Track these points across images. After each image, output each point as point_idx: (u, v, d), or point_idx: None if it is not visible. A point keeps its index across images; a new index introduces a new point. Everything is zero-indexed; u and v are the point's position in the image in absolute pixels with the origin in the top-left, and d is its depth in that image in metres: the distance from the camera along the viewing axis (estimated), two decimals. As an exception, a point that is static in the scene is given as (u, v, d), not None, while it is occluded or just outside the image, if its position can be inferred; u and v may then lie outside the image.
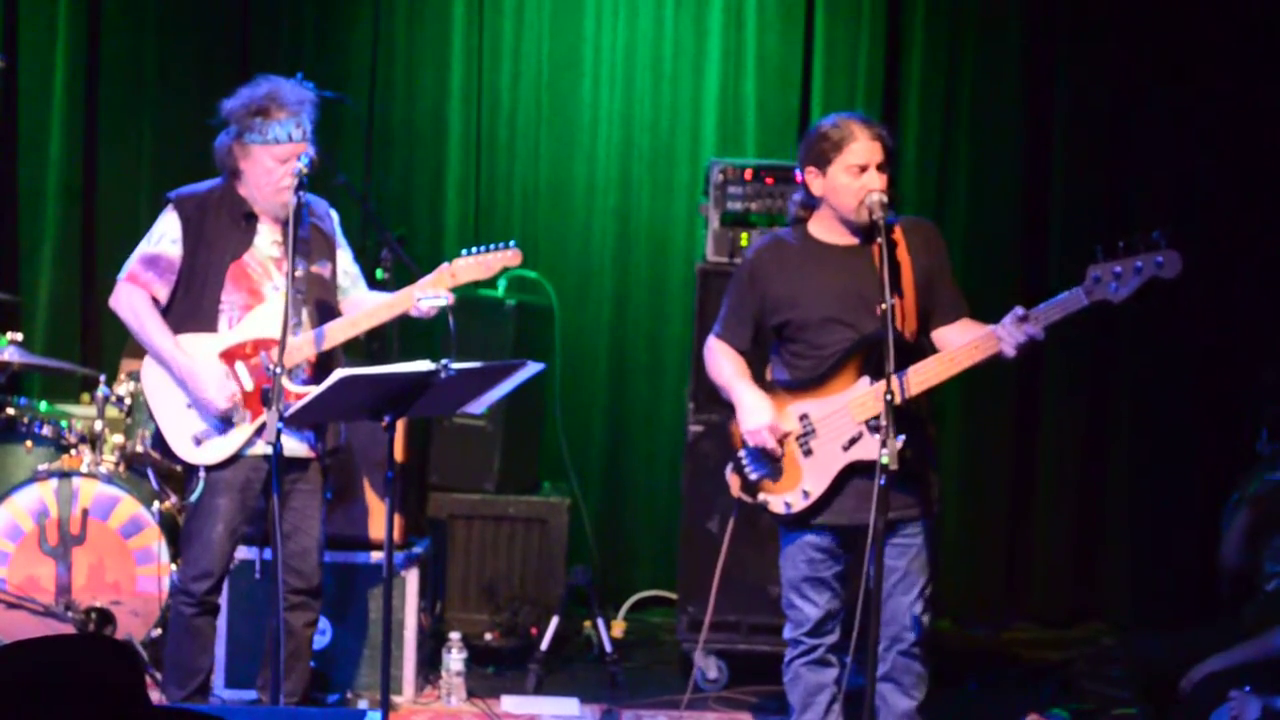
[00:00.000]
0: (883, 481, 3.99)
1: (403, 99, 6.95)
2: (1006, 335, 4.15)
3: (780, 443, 4.32)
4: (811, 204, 4.40)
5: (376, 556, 5.39)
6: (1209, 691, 4.77)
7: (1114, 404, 6.96)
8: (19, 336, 5.78)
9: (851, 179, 4.26)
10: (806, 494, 4.32)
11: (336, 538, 5.38)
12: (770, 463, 4.35)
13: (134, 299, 4.66)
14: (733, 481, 4.44)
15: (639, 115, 6.95)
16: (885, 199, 4.22)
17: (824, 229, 4.41)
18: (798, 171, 4.43)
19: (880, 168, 4.27)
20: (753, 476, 4.39)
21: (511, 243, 4.74)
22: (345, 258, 4.90)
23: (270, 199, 4.65)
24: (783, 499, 4.35)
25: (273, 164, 4.60)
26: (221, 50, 6.79)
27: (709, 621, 4.88)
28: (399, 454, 5.12)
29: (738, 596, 5.47)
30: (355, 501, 5.47)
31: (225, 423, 4.63)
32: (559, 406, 6.64)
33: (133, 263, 4.69)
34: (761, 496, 4.39)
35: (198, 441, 4.65)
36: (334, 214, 4.89)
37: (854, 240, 4.37)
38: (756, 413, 4.31)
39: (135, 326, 4.67)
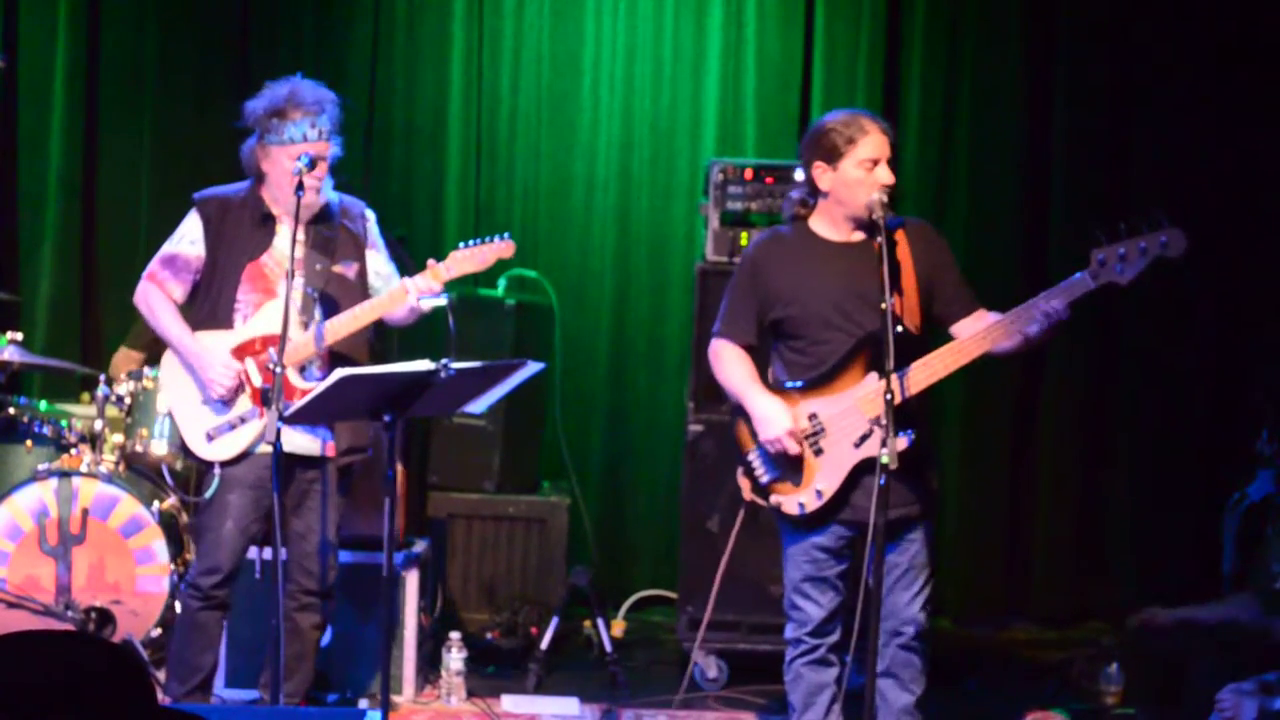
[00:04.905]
0: (883, 481, 3.98)
1: (403, 99, 6.95)
2: (1034, 314, 4.13)
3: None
4: (811, 200, 4.40)
5: (368, 555, 5.39)
6: (1174, 642, 4.79)
7: (1114, 403, 6.96)
8: (19, 336, 5.78)
9: (864, 173, 4.26)
10: (820, 493, 4.29)
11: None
12: (783, 464, 4.32)
13: (149, 294, 4.77)
14: (744, 484, 4.41)
15: (639, 115, 6.95)
16: (886, 199, 4.22)
17: (826, 225, 4.40)
18: (798, 169, 4.42)
19: (890, 162, 4.28)
20: (764, 479, 4.36)
21: (505, 235, 4.74)
22: (378, 259, 4.88)
23: (289, 199, 4.65)
24: (796, 499, 4.32)
25: (290, 164, 4.61)
26: (221, 50, 6.79)
27: (707, 620, 4.87)
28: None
29: (738, 596, 5.46)
30: (355, 500, 5.46)
31: (234, 416, 4.66)
32: (559, 406, 6.64)
33: (154, 260, 4.80)
34: (774, 499, 4.35)
35: (210, 438, 4.70)
36: (370, 214, 4.89)
37: (855, 237, 4.36)
38: (775, 420, 4.27)
39: (151, 320, 4.79)
